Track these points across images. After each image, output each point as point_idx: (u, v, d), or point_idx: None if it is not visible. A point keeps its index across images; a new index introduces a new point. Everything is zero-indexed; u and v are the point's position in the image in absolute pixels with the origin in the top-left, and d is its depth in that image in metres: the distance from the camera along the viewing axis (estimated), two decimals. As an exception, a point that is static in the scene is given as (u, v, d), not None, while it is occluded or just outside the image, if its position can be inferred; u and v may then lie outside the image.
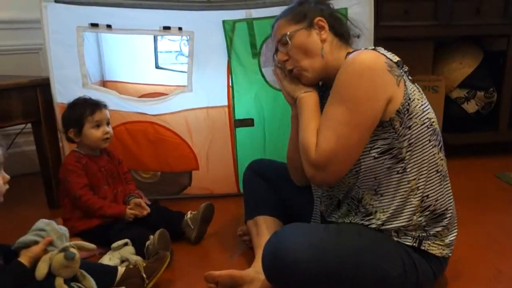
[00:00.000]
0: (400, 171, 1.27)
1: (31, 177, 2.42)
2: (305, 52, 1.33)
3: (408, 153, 1.26)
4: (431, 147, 1.28)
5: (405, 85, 1.24)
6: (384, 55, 1.24)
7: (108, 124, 1.82)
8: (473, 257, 1.62)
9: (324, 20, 1.34)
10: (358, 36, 1.42)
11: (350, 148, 1.23)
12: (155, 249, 1.56)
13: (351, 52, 1.29)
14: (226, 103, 2.12)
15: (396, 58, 1.27)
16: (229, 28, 2.03)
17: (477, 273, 1.51)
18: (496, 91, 2.71)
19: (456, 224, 1.37)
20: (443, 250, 1.32)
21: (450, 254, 1.35)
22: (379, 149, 1.26)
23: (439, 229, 1.30)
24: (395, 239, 1.29)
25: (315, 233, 1.26)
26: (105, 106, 1.83)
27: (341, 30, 1.37)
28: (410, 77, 1.30)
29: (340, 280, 1.22)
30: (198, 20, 2.02)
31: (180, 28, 2.02)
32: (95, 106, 1.79)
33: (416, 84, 1.31)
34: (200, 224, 1.77)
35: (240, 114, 2.13)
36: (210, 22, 2.02)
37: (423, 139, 1.27)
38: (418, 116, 1.25)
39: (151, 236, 1.61)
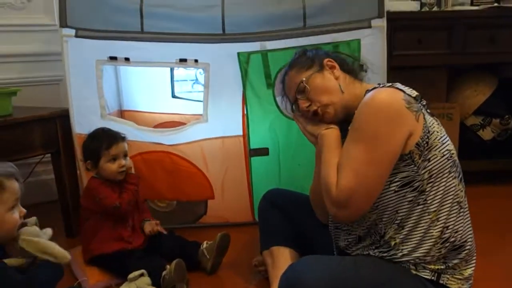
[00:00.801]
0: (421, 203, 1.26)
1: (49, 205, 2.45)
2: (324, 91, 1.38)
3: (429, 185, 1.26)
4: (451, 178, 1.28)
5: (424, 118, 1.25)
6: (402, 91, 1.25)
7: (125, 156, 1.85)
8: (493, 289, 1.59)
9: (332, 59, 1.41)
10: (366, 71, 1.47)
11: (369, 185, 1.23)
12: (171, 279, 1.57)
13: (370, 90, 1.31)
14: (241, 133, 2.15)
15: (414, 93, 1.28)
16: (244, 60, 2.07)
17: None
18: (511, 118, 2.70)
19: (475, 257, 1.35)
20: (462, 284, 1.29)
21: (469, 289, 1.33)
22: (399, 183, 1.26)
23: (457, 261, 1.28)
24: (413, 272, 1.27)
25: (332, 266, 1.25)
26: (123, 139, 1.85)
27: (349, 67, 1.43)
28: (428, 110, 1.31)
29: (356, 314, 1.20)
30: (214, 52, 2.06)
31: (196, 60, 2.06)
32: (112, 139, 1.82)
33: (435, 117, 1.32)
34: (216, 254, 1.77)
35: (255, 144, 2.15)
36: (225, 54, 2.06)
37: (444, 171, 1.27)
38: (438, 148, 1.25)
39: (168, 266, 1.61)
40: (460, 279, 1.29)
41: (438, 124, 1.30)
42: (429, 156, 1.25)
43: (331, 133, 1.37)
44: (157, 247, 1.80)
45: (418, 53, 2.49)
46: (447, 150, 1.27)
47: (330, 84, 1.38)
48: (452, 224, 1.27)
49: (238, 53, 2.06)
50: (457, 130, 2.66)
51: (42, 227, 2.25)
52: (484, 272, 1.52)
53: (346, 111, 1.37)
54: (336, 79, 1.39)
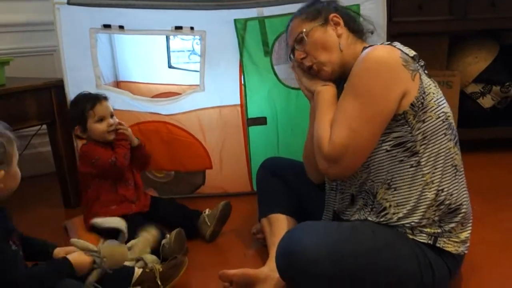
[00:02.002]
0: (414, 165, 1.26)
1: (46, 177, 2.45)
2: (323, 47, 1.36)
3: (423, 147, 1.25)
4: (446, 141, 1.27)
5: (420, 79, 1.24)
6: (400, 50, 1.25)
7: (112, 116, 1.82)
8: (490, 255, 1.59)
9: (338, 16, 1.38)
10: (372, 32, 1.43)
11: (362, 142, 1.24)
12: (170, 249, 1.57)
13: (367, 47, 1.30)
14: (238, 102, 2.12)
15: (412, 53, 1.27)
16: (240, 27, 2.02)
17: (494, 272, 1.49)
18: (512, 86, 2.67)
19: (471, 220, 1.36)
20: (459, 247, 1.30)
21: (465, 252, 1.33)
22: (391, 142, 1.26)
23: (453, 225, 1.29)
24: (410, 236, 1.27)
25: (329, 232, 1.26)
26: (105, 98, 1.82)
27: (355, 26, 1.40)
28: (426, 72, 1.30)
29: (354, 279, 1.21)
30: (210, 19, 2.02)
31: (192, 28, 2.02)
32: (95, 99, 1.79)
33: (432, 78, 1.31)
34: (217, 222, 1.78)
35: (253, 113, 2.13)
36: (221, 21, 2.02)
37: (438, 133, 1.26)
38: (433, 110, 1.25)
39: (168, 235, 1.61)
40: (456, 242, 1.30)
41: (435, 86, 1.30)
42: (424, 118, 1.24)
43: (327, 90, 1.37)
44: (158, 213, 1.81)
45: (419, 19, 2.45)
46: (442, 112, 1.27)
47: (329, 41, 1.36)
48: (446, 187, 1.27)
49: (235, 20, 2.01)
50: (457, 98, 2.64)
51: (40, 199, 2.27)
52: (481, 236, 1.53)
53: (343, 70, 1.36)
54: (338, 37, 1.36)
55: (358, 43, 1.39)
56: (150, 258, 1.54)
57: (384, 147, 1.26)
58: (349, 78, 1.28)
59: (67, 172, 2.16)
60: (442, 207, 1.27)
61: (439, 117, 1.26)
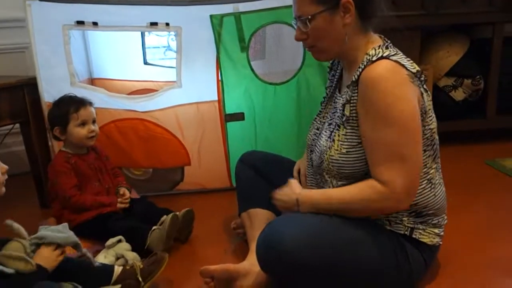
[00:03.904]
0: None
1: (21, 177, 2.40)
2: (326, 35, 1.28)
3: None
4: (425, 157, 1.29)
5: (422, 96, 1.24)
6: (404, 67, 1.21)
7: (94, 122, 1.81)
8: (465, 244, 1.64)
9: (352, 2, 1.23)
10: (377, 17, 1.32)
11: (417, 165, 1.24)
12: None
13: (372, 60, 1.22)
14: (216, 98, 2.12)
15: (415, 68, 1.24)
16: (216, 23, 2.02)
17: (470, 261, 1.53)
18: (483, 79, 2.74)
19: (445, 214, 1.39)
20: (434, 238, 1.34)
21: (440, 243, 1.37)
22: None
23: (428, 219, 1.33)
24: (388, 227, 1.30)
25: (309, 223, 1.27)
26: (90, 104, 1.81)
27: (367, 11, 1.26)
28: (424, 87, 1.27)
29: (334, 269, 1.23)
30: (185, 15, 2.01)
31: (167, 24, 2.01)
32: (79, 103, 1.78)
33: (428, 92, 1.28)
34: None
35: (230, 109, 2.13)
36: (197, 17, 2.01)
37: None
38: (423, 129, 1.26)
39: (154, 227, 1.62)
40: (431, 233, 1.33)
41: (430, 100, 1.29)
42: None
43: (306, 194, 1.34)
44: (129, 212, 1.79)
45: (391, 14, 2.48)
46: (429, 129, 1.28)
47: (334, 31, 1.26)
48: (422, 201, 1.30)
49: (211, 16, 2.01)
50: (430, 91, 2.68)
51: (15, 199, 2.22)
52: (455, 227, 1.57)
53: (339, 56, 1.34)
54: (344, 26, 1.25)
55: (362, 33, 1.29)
56: (131, 255, 1.54)
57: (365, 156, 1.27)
58: (365, 104, 1.22)
59: (42, 172, 2.12)
60: (414, 214, 1.31)
61: (425, 135, 1.27)
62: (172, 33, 2.26)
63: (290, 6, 1.97)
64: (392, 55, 1.22)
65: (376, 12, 1.28)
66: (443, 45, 2.72)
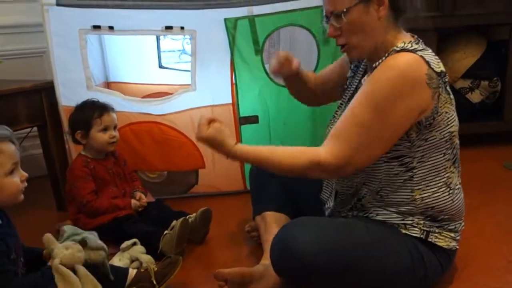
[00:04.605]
0: (407, 179, 1.27)
1: (38, 180, 2.42)
2: (360, 30, 1.24)
3: (419, 164, 1.26)
4: (444, 160, 1.27)
5: (438, 98, 1.21)
6: (428, 64, 1.18)
7: (115, 128, 1.83)
8: (483, 247, 1.61)
9: None
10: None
11: (372, 155, 1.23)
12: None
13: (398, 49, 1.21)
14: (230, 101, 2.13)
15: (440, 68, 1.21)
16: (231, 26, 2.03)
17: (487, 264, 1.51)
18: (500, 81, 2.70)
19: (462, 217, 1.37)
20: (450, 242, 1.32)
21: (457, 247, 1.35)
22: (389, 154, 1.26)
23: (445, 223, 1.31)
24: (403, 231, 1.29)
25: (323, 227, 1.27)
26: (113, 110, 1.84)
27: (400, 4, 1.24)
28: (447, 88, 1.24)
29: (348, 273, 1.22)
30: (200, 18, 2.02)
31: (182, 28, 2.02)
32: (103, 109, 1.80)
33: (451, 95, 1.26)
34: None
35: (244, 112, 2.13)
36: (212, 20, 2.02)
37: (438, 152, 1.26)
38: (440, 129, 1.24)
39: (166, 231, 1.63)
40: (447, 237, 1.32)
41: (451, 103, 1.25)
42: (427, 136, 1.24)
43: (240, 147, 1.29)
44: (144, 215, 1.81)
45: (407, 16, 2.46)
46: (448, 132, 1.25)
47: (369, 24, 1.22)
48: (436, 204, 1.28)
49: (225, 19, 2.02)
50: (447, 93, 2.66)
51: (32, 202, 2.25)
52: (472, 230, 1.55)
53: (371, 54, 1.28)
54: (379, 19, 1.22)
55: (393, 28, 1.25)
56: (146, 258, 1.54)
57: (382, 158, 1.26)
58: (370, 81, 1.21)
59: (60, 175, 2.15)
60: (430, 218, 1.30)
61: (444, 137, 1.25)
62: (187, 36, 2.28)
63: (304, 9, 2.02)
64: (419, 50, 1.20)
65: (407, 7, 1.25)
66: (459, 46, 2.69)
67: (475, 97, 2.72)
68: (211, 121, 1.30)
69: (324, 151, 1.22)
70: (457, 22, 2.57)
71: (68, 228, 1.34)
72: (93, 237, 1.32)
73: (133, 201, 1.80)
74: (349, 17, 1.22)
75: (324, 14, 1.29)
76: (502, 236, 1.71)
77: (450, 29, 2.76)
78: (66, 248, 1.22)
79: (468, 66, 2.66)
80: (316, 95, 1.64)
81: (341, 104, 1.48)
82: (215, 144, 1.28)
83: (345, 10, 1.21)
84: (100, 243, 1.32)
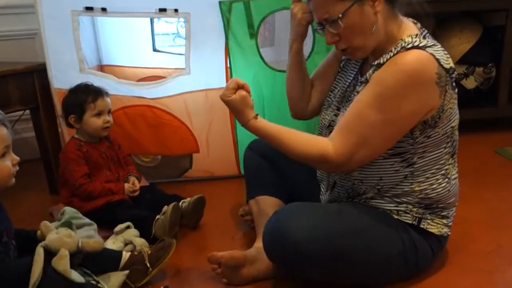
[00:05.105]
0: (408, 175, 1.27)
1: (31, 163, 2.42)
2: (360, 31, 1.20)
3: (420, 159, 1.26)
4: (444, 154, 1.28)
5: (444, 96, 1.19)
6: (438, 61, 1.16)
7: (109, 112, 1.81)
8: (474, 232, 1.63)
9: None
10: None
11: (375, 152, 1.24)
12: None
13: (406, 46, 1.18)
14: (224, 85, 2.08)
15: (449, 64, 1.19)
16: (225, 9, 2.01)
17: (478, 248, 1.53)
18: (495, 67, 2.70)
19: (456, 205, 1.38)
20: (442, 228, 1.33)
21: (449, 233, 1.36)
22: (390, 151, 1.25)
23: (437, 210, 1.32)
24: (395, 217, 1.30)
25: (316, 212, 1.27)
26: (107, 94, 1.81)
27: None
28: (454, 84, 1.22)
29: (340, 259, 1.23)
30: (194, 1, 2.00)
31: (176, 10, 2.00)
32: (97, 93, 1.78)
33: (456, 89, 1.24)
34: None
35: (239, 96, 2.12)
36: (206, 3, 2.00)
37: (439, 147, 1.26)
38: (443, 126, 1.24)
39: (157, 216, 1.63)
40: (439, 224, 1.33)
41: (455, 98, 1.25)
42: (431, 133, 1.23)
43: (259, 121, 1.30)
44: (137, 199, 1.80)
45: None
46: (450, 127, 1.25)
47: (367, 23, 1.19)
48: (435, 194, 1.29)
49: (220, 2, 2.00)
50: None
51: (25, 185, 2.25)
52: (463, 215, 1.56)
53: (375, 50, 1.25)
54: (376, 15, 1.19)
55: (394, 20, 1.23)
56: (139, 241, 1.55)
57: (383, 154, 1.26)
58: (378, 79, 1.19)
59: (52, 158, 2.14)
60: (424, 205, 1.30)
61: (446, 133, 1.25)
62: (181, 20, 2.25)
63: None
64: (429, 46, 1.17)
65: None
66: (454, 32, 2.68)
67: (469, 83, 2.72)
68: (239, 87, 1.28)
69: (333, 148, 1.22)
70: (453, 7, 2.56)
71: (69, 210, 1.33)
72: (92, 231, 1.31)
73: (126, 186, 1.80)
74: (346, 21, 1.19)
75: (317, 22, 1.26)
76: (492, 221, 1.72)
77: (446, 14, 2.75)
78: (57, 233, 1.22)
79: (463, 52, 2.65)
80: (309, 99, 1.57)
81: (334, 88, 1.46)
82: (235, 110, 1.29)
83: (341, 15, 1.18)
84: (99, 237, 1.32)
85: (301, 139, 1.27)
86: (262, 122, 1.29)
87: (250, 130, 1.30)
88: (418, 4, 1.26)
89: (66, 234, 1.21)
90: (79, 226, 1.32)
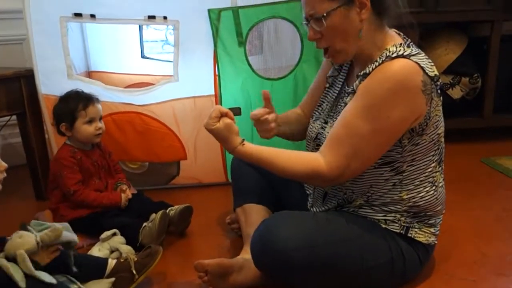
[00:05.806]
0: (397, 183, 1.28)
1: (17, 169, 2.39)
2: (342, 34, 1.22)
3: (409, 167, 1.27)
4: (431, 162, 1.29)
5: (431, 103, 1.20)
6: (423, 69, 1.17)
7: (100, 119, 1.81)
8: (459, 241, 1.64)
9: None
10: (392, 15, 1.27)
11: (366, 162, 1.24)
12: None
13: (391, 55, 1.18)
14: (213, 92, 2.12)
15: (434, 72, 1.20)
16: (214, 17, 2.02)
17: (462, 257, 1.54)
18: (480, 77, 2.74)
19: (443, 212, 1.39)
20: (430, 237, 1.34)
21: (436, 242, 1.37)
22: (380, 161, 1.26)
23: (425, 219, 1.33)
24: (383, 226, 1.31)
25: (304, 221, 1.27)
26: (97, 100, 1.80)
27: (384, 7, 1.22)
28: (439, 91, 1.23)
29: (328, 268, 1.23)
30: (183, 9, 2.01)
31: (165, 17, 2.01)
32: (87, 100, 1.77)
33: (441, 97, 1.26)
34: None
35: (227, 103, 2.12)
36: (195, 11, 2.00)
37: (427, 155, 1.28)
38: (430, 133, 1.25)
39: (144, 224, 1.62)
40: (427, 233, 1.34)
41: (440, 104, 1.26)
42: (419, 141, 1.25)
43: (246, 147, 1.27)
44: (125, 208, 1.79)
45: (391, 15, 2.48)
46: (437, 134, 1.27)
47: (351, 28, 1.21)
48: (423, 202, 1.30)
49: (209, 10, 2.00)
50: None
51: (11, 191, 2.22)
52: (449, 224, 1.58)
53: (358, 55, 1.27)
54: (361, 22, 1.20)
55: (379, 30, 1.24)
56: (126, 248, 1.54)
57: (373, 164, 1.27)
58: (364, 90, 1.20)
59: (39, 164, 2.13)
60: (412, 214, 1.31)
61: (432, 140, 1.26)
62: (170, 27, 2.26)
63: (288, 1, 2.02)
64: (413, 55, 1.18)
65: (391, 6, 1.23)
66: (441, 42, 2.72)
67: (455, 93, 2.76)
68: (222, 115, 1.27)
69: (324, 162, 1.22)
70: (439, 18, 2.60)
71: (33, 224, 1.31)
72: (60, 226, 1.29)
73: (123, 196, 1.79)
74: (329, 22, 1.20)
75: (304, 16, 1.27)
76: (478, 230, 1.74)
77: (433, 25, 2.79)
78: (20, 237, 1.21)
79: (449, 62, 2.69)
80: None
81: (322, 102, 1.47)
82: (221, 139, 1.27)
83: (325, 14, 1.19)
84: (70, 234, 1.30)
85: (291, 158, 1.26)
86: (249, 147, 1.27)
87: (238, 156, 1.29)
88: (404, 16, 1.27)
89: (16, 236, 1.21)
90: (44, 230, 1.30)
